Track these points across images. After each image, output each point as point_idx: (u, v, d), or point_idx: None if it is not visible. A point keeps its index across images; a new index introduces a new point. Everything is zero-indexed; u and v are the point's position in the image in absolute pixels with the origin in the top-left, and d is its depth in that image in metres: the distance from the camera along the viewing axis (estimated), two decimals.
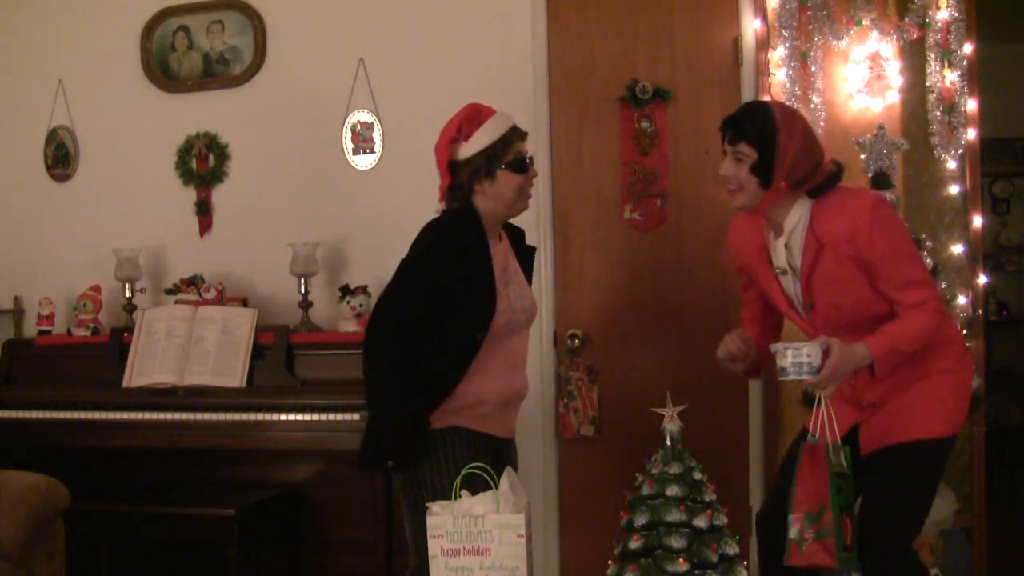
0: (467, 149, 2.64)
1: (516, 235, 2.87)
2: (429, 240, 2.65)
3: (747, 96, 3.75)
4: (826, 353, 2.41)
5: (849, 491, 2.42)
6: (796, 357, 2.41)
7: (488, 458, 2.54)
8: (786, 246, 2.59)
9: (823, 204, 2.53)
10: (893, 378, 2.55)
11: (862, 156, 3.54)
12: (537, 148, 3.79)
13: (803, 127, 2.53)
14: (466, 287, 2.61)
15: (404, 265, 2.65)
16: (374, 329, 2.62)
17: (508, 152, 2.65)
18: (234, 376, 3.82)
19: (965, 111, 3.60)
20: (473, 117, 2.66)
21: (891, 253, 2.45)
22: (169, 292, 4.16)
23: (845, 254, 2.48)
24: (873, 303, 2.51)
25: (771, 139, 2.47)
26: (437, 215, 2.75)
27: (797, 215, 2.55)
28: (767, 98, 3.63)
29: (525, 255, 2.86)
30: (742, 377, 2.85)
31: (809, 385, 2.49)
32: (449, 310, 2.59)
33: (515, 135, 2.68)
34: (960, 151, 3.61)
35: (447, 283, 2.59)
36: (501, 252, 2.74)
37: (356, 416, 3.56)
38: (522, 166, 2.67)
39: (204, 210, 4.34)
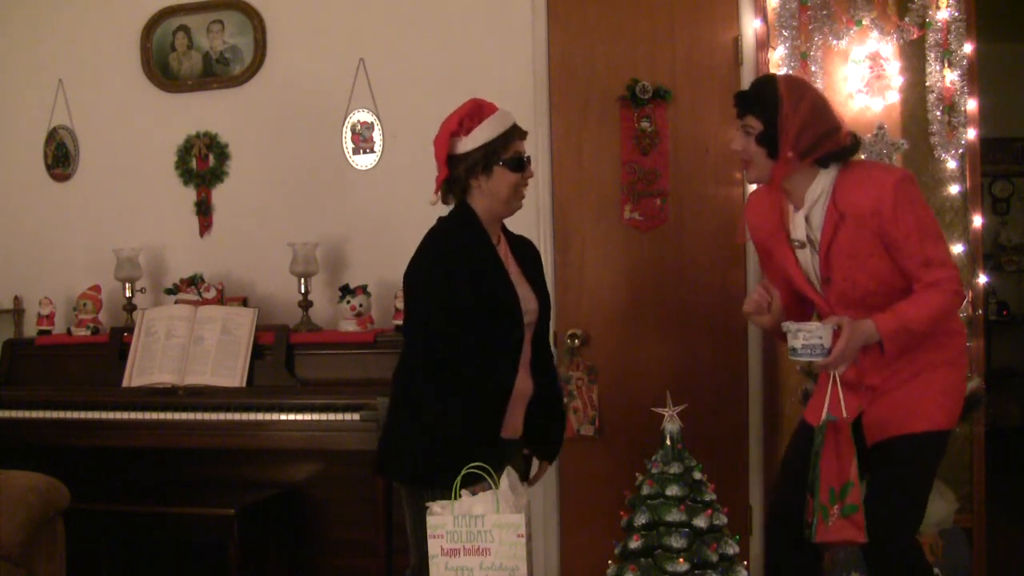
0: (467, 143, 2.64)
1: (520, 241, 2.87)
2: (428, 253, 2.65)
3: None
4: (836, 333, 2.42)
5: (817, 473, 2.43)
6: (808, 339, 2.42)
7: (492, 458, 2.54)
8: (806, 218, 2.60)
9: (847, 175, 2.54)
10: (897, 363, 2.56)
11: (862, 156, 3.54)
12: (537, 148, 3.79)
13: (811, 97, 2.56)
14: (489, 289, 2.62)
15: (416, 287, 2.65)
16: (415, 367, 2.61)
17: (507, 150, 2.65)
18: (234, 376, 3.82)
19: (965, 111, 3.60)
20: (475, 112, 2.66)
21: (915, 230, 2.46)
22: (169, 292, 4.16)
23: (868, 227, 2.48)
24: (889, 279, 2.52)
25: (775, 109, 2.51)
26: (439, 216, 2.75)
27: (820, 187, 2.56)
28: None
29: (530, 260, 2.86)
30: (774, 335, 2.82)
31: (819, 365, 2.51)
32: (480, 317, 2.59)
33: (515, 133, 2.68)
34: (960, 151, 3.61)
35: (467, 294, 2.58)
36: (502, 254, 2.74)
37: (356, 416, 3.56)
38: (519, 165, 2.67)
39: (204, 210, 4.34)
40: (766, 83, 2.64)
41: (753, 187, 3.45)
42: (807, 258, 2.65)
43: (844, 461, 2.39)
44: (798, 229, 2.63)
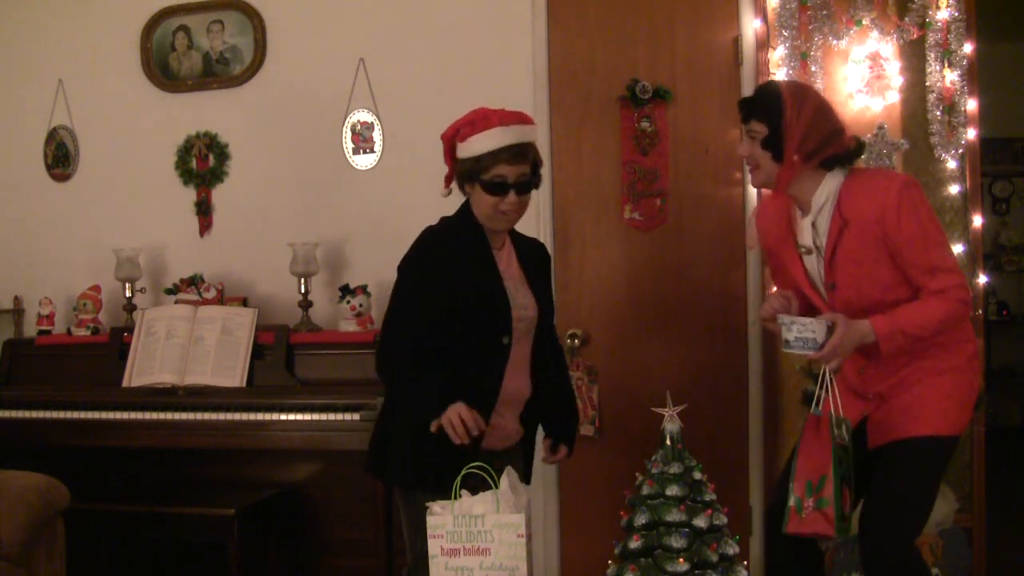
0: (462, 151, 2.64)
1: (528, 245, 2.86)
2: (418, 249, 2.68)
3: None
4: (831, 329, 2.44)
5: (849, 463, 2.44)
6: (801, 332, 2.46)
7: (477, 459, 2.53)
8: (813, 225, 2.61)
9: (852, 182, 2.56)
10: (903, 372, 2.56)
11: (862, 156, 3.54)
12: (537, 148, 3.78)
13: (814, 101, 2.58)
14: (475, 291, 2.62)
15: (402, 280, 2.69)
16: (383, 347, 2.66)
17: (489, 170, 2.59)
18: (234, 376, 3.82)
19: (965, 111, 3.59)
20: (475, 122, 2.62)
21: (918, 237, 2.47)
22: (169, 292, 4.16)
23: (871, 234, 2.49)
24: (893, 287, 2.52)
25: (779, 113, 2.53)
26: (442, 216, 2.76)
27: (825, 192, 2.58)
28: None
29: (536, 264, 2.84)
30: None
31: (815, 360, 2.53)
32: (464, 314, 2.59)
33: (503, 156, 2.58)
34: (960, 151, 3.61)
35: (448, 288, 2.59)
36: (504, 258, 2.73)
37: (356, 416, 3.56)
38: (496, 188, 2.60)
39: (204, 210, 4.34)
40: (769, 88, 2.68)
41: (753, 188, 3.47)
42: (813, 264, 2.65)
43: (822, 455, 2.42)
44: (805, 235, 2.64)
